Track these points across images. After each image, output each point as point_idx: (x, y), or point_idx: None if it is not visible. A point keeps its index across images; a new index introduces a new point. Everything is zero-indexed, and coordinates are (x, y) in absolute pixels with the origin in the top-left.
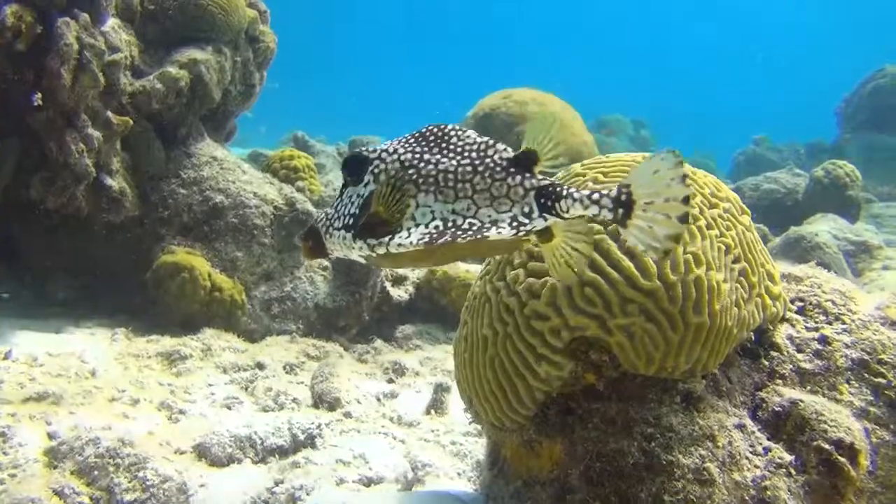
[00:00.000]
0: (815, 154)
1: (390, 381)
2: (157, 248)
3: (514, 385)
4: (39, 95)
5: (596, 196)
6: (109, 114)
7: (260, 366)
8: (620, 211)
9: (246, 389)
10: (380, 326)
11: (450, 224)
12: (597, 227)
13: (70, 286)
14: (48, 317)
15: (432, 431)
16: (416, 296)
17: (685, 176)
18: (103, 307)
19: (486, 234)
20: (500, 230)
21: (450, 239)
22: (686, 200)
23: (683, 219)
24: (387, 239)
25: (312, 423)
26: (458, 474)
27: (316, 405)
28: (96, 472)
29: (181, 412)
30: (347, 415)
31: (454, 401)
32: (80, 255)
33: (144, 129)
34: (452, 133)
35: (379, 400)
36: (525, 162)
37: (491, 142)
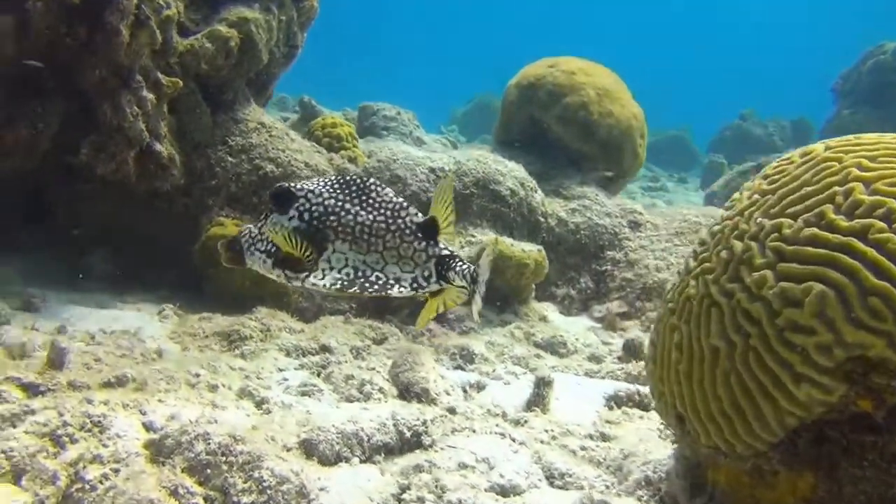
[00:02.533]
0: (800, 130)
1: (459, 367)
2: (203, 220)
3: (757, 407)
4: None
5: (470, 270)
6: (159, 74)
7: (326, 349)
8: (473, 287)
9: (319, 375)
10: None
11: (360, 274)
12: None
13: (110, 258)
14: (90, 290)
15: (546, 432)
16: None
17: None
18: (145, 281)
19: (389, 290)
20: (401, 289)
21: (358, 290)
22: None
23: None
24: (303, 276)
25: (417, 420)
26: (607, 487)
27: (402, 396)
28: (209, 471)
29: (264, 401)
30: (451, 410)
31: (556, 396)
32: (121, 224)
33: (191, 91)
34: (373, 188)
35: (465, 391)
36: (430, 230)
37: (405, 204)
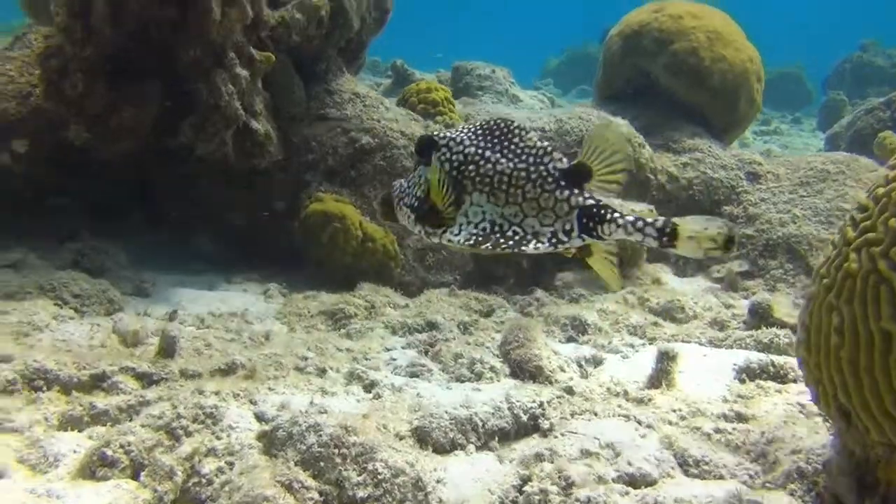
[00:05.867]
0: None
1: (571, 339)
2: (303, 196)
3: None
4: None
5: (640, 224)
6: (252, 49)
7: (432, 325)
8: (665, 239)
9: (426, 353)
10: (537, 274)
11: (496, 228)
12: None
13: (213, 239)
14: (197, 272)
15: (674, 412)
16: None
17: (731, 239)
18: (248, 259)
19: (524, 247)
20: (538, 244)
21: (491, 247)
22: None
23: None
24: (440, 231)
25: (533, 402)
26: (751, 477)
27: (515, 374)
28: (322, 464)
29: (374, 384)
30: (569, 391)
31: (680, 370)
32: (221, 204)
33: (284, 64)
34: (516, 132)
35: (581, 367)
36: (576, 176)
37: (549, 148)
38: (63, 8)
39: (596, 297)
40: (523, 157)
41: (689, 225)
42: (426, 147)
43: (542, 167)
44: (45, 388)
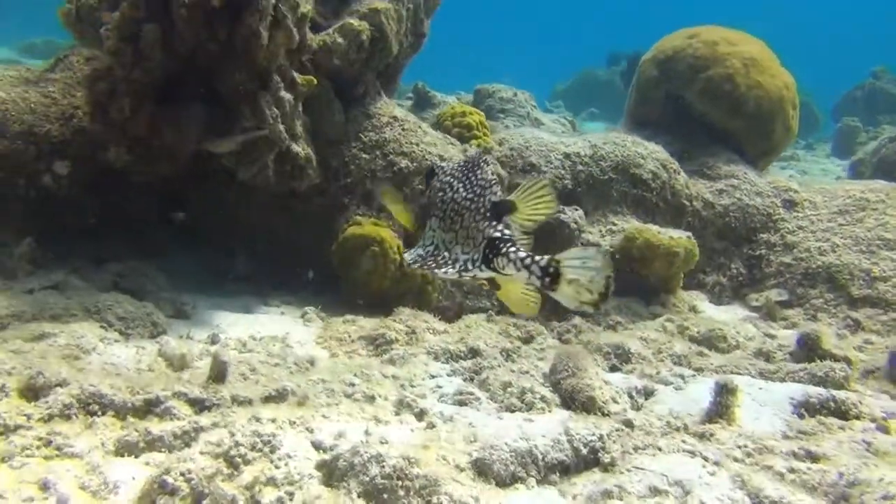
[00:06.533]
0: None
1: (614, 367)
2: (341, 219)
3: None
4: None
5: (528, 261)
6: (294, 73)
7: (475, 352)
8: (547, 280)
9: (472, 381)
10: None
11: (436, 251)
12: None
13: (249, 260)
14: (233, 294)
15: (739, 448)
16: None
17: (609, 277)
18: (285, 283)
19: (438, 271)
20: (447, 270)
21: (425, 268)
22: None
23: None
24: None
25: (593, 435)
26: None
27: (566, 404)
28: (385, 496)
29: (423, 412)
30: (628, 423)
31: (738, 405)
32: (259, 226)
33: (324, 88)
34: (481, 166)
35: (632, 397)
36: (499, 210)
37: (493, 182)
38: (114, 31)
39: (634, 324)
40: (473, 188)
41: (570, 265)
42: (427, 175)
43: (481, 199)
44: (100, 413)
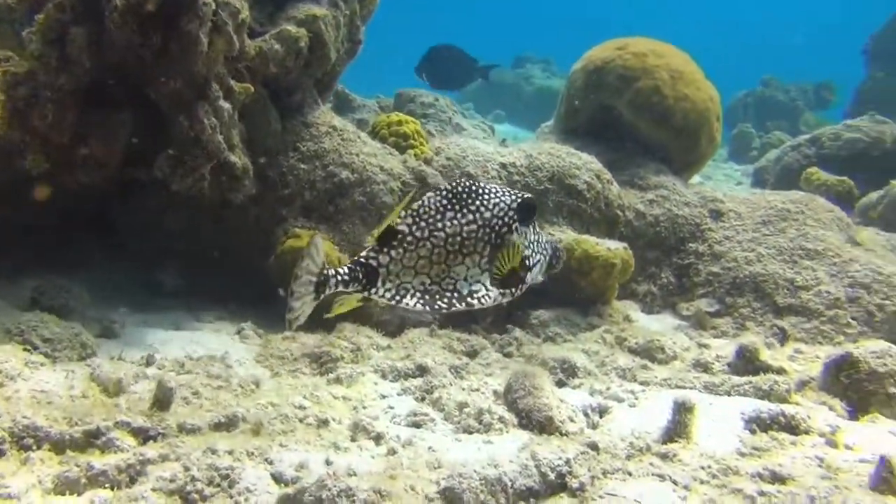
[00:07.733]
0: (821, 95)
1: (561, 382)
2: (278, 231)
3: None
4: None
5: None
6: (231, 81)
7: (423, 370)
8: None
9: (424, 400)
10: (510, 312)
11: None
12: None
13: (178, 273)
14: (163, 308)
15: (703, 469)
16: (549, 277)
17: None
18: (216, 297)
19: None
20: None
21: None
22: None
23: None
24: None
25: (560, 459)
26: None
27: (523, 425)
28: None
29: (380, 437)
30: (593, 447)
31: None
32: (188, 239)
33: (260, 96)
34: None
35: (587, 416)
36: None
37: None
38: (38, 34)
39: (574, 336)
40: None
41: None
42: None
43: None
44: (34, 447)
